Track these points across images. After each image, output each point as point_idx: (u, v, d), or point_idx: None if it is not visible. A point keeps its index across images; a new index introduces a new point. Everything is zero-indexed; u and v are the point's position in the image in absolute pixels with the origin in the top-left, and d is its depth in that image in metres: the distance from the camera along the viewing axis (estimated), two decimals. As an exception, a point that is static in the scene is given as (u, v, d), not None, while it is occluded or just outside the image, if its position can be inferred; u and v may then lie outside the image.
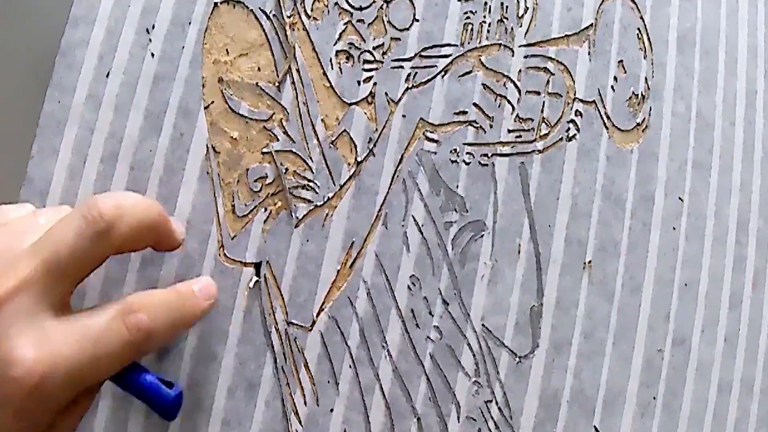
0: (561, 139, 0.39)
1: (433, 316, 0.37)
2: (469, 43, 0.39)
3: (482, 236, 0.37)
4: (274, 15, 0.38)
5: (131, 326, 0.30)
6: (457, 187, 0.38)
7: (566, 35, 0.39)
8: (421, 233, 0.37)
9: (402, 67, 0.38)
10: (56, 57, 0.37)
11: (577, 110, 0.39)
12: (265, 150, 0.37)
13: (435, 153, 0.38)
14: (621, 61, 0.40)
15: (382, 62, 0.38)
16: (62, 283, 0.30)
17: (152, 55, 0.37)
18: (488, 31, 0.39)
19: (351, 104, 0.37)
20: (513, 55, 0.39)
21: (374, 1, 0.38)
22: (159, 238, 0.33)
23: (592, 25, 0.39)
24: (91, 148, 0.37)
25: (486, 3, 0.39)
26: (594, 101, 0.39)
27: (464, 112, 0.38)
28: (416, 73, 0.38)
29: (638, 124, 0.39)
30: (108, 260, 0.34)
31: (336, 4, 0.38)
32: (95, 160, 0.36)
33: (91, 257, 0.30)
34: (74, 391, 0.30)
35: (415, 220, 0.37)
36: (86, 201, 0.31)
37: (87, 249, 0.30)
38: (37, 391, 0.28)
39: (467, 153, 0.38)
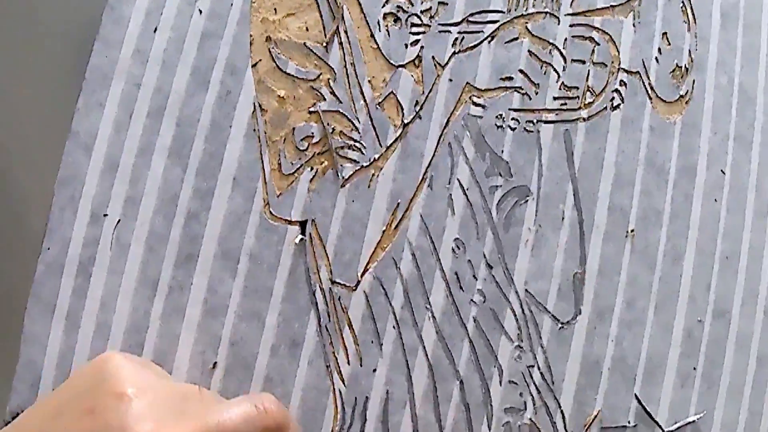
0: (605, 108, 0.39)
1: (476, 279, 0.37)
2: (515, 9, 0.39)
3: (526, 201, 0.37)
4: (323, -25, 0.38)
5: None
6: (502, 152, 0.38)
7: (611, 5, 0.39)
8: (466, 197, 0.37)
9: (449, 31, 0.38)
10: (103, 11, 0.37)
11: (621, 80, 0.39)
12: (311, 109, 0.37)
13: (481, 117, 0.38)
14: (665, 33, 0.40)
15: (430, 26, 0.38)
16: None
17: (200, 11, 0.37)
18: (535, -1, 0.39)
19: (398, 67, 0.37)
20: (559, 24, 0.39)
21: (424, -35, 0.38)
22: None
23: (637, -4, 0.40)
24: (138, 102, 0.36)
25: (534, -30, 0.39)
26: (638, 72, 0.39)
27: (510, 78, 0.38)
28: (463, 37, 0.38)
29: (681, 96, 0.39)
30: (153, 215, 0.34)
31: (385, -34, 0.38)
32: (141, 115, 0.36)
33: None
34: None
35: (460, 183, 0.37)
36: (254, 394, 0.32)
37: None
38: None
39: (513, 119, 0.38)
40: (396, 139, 0.37)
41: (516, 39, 0.38)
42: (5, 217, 0.38)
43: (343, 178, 0.37)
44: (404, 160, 0.37)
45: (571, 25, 0.39)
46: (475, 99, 0.38)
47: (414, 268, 0.36)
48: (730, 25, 0.40)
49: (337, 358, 0.36)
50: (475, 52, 0.38)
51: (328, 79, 0.37)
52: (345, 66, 0.37)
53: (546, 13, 0.39)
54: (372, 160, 0.37)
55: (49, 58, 0.38)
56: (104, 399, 0.29)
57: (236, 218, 0.36)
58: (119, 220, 0.36)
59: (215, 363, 0.35)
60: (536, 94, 0.38)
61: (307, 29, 0.37)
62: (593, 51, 0.39)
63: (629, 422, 0.37)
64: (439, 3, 0.38)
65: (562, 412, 0.36)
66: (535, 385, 0.36)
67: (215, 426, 0.29)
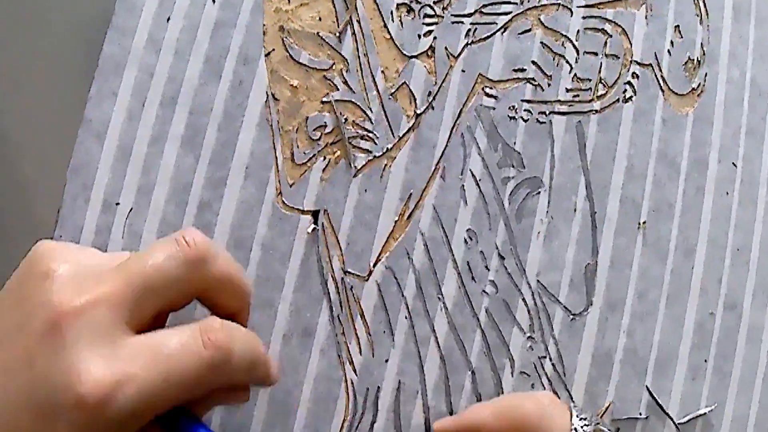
0: (618, 100, 0.39)
1: (489, 270, 0.37)
2: (528, 1, 0.39)
3: (539, 193, 0.37)
4: (337, -35, 0.38)
5: (209, 344, 0.27)
6: (515, 143, 0.38)
7: (624, -2, 0.39)
8: (479, 187, 0.37)
9: (462, 22, 0.38)
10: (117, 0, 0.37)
11: (634, 72, 0.39)
12: (324, 99, 0.37)
13: (493, 108, 0.38)
14: (677, 25, 0.40)
15: (443, 17, 0.38)
16: (144, 303, 0.28)
17: (213, 1, 0.37)
18: (548, -10, 0.39)
19: (411, 57, 0.37)
20: (571, 15, 0.39)
21: (437, -45, 0.38)
22: (244, 300, 0.31)
23: (650, -12, 0.40)
24: (150, 91, 0.36)
25: (548, -39, 0.39)
26: (650, 64, 0.39)
27: (523, 70, 0.38)
28: (476, 28, 0.38)
29: (693, 89, 0.39)
30: (165, 205, 0.34)
31: (399, -44, 0.38)
32: (154, 104, 0.36)
33: (176, 284, 0.28)
34: (142, 417, 0.27)
35: (472, 174, 0.37)
36: (180, 230, 0.29)
37: (175, 272, 0.28)
38: (101, 410, 0.25)
39: (525, 110, 0.38)
40: (409, 130, 0.37)
41: (529, 30, 0.38)
42: (16, 205, 0.38)
43: (355, 168, 0.37)
44: (417, 150, 0.37)
45: (583, 17, 0.39)
46: (487, 90, 0.38)
47: (426, 258, 0.36)
48: (743, 18, 0.40)
49: (349, 348, 0.36)
50: (488, 43, 0.38)
51: (341, 69, 0.37)
52: (358, 56, 0.37)
53: (559, 5, 0.39)
54: (385, 150, 0.37)
55: (61, 47, 0.38)
56: (30, 283, 0.28)
57: (249, 207, 0.36)
58: (131, 209, 0.36)
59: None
60: (549, 85, 0.38)
61: (320, 19, 0.37)
62: (606, 43, 0.39)
63: (640, 414, 0.37)
64: (452, -6, 0.38)
65: (573, 403, 0.36)
66: (547, 376, 0.36)
67: (138, 275, 0.28)
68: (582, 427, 0.29)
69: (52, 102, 0.38)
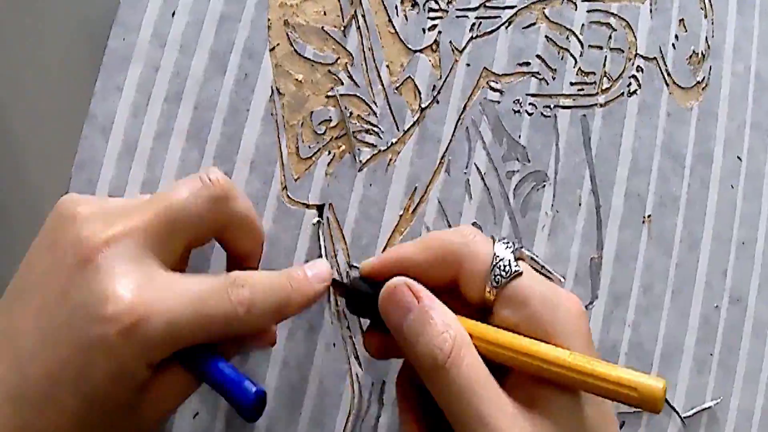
0: (622, 93, 0.39)
1: (494, 264, 0.36)
2: (533, -5, 0.39)
3: (544, 186, 0.37)
4: (341, -40, 0.38)
5: (234, 297, 0.29)
6: (520, 137, 0.38)
7: (629, -8, 0.39)
8: (483, 181, 0.37)
9: (466, 16, 0.38)
10: (122, -5, 0.37)
11: (638, 66, 0.39)
12: (329, 93, 0.37)
13: (498, 102, 0.38)
14: (682, 19, 0.40)
15: (447, 11, 0.38)
16: (172, 238, 0.29)
17: (218, -4, 0.37)
18: (552, -16, 0.39)
19: (415, 51, 0.37)
20: (576, 9, 0.39)
21: (441, -51, 0.38)
22: (259, 241, 0.33)
23: (654, -18, 0.40)
24: (155, 86, 0.36)
25: (551, -44, 0.39)
26: (655, 58, 0.39)
27: (527, 63, 0.38)
28: (480, 23, 0.38)
29: (698, 83, 0.39)
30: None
31: (403, -49, 0.38)
32: (159, 99, 0.36)
33: (202, 217, 0.30)
34: (169, 347, 0.28)
35: (477, 168, 0.37)
36: (203, 168, 0.31)
37: (200, 208, 0.30)
38: (132, 333, 0.26)
39: (530, 104, 0.38)
40: (413, 124, 0.37)
41: (533, 24, 0.38)
42: (21, 200, 0.38)
43: (360, 162, 0.37)
44: (422, 144, 0.37)
45: (588, 11, 0.39)
46: (492, 84, 0.38)
47: (431, 252, 0.36)
48: (747, 12, 0.40)
49: (354, 342, 0.36)
50: (493, 37, 0.38)
51: (346, 63, 0.37)
52: (363, 50, 0.37)
53: (563, -2, 0.39)
54: (389, 145, 0.37)
55: (67, 42, 0.38)
56: (58, 230, 0.29)
57: (254, 202, 0.36)
58: (137, 203, 0.36)
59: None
60: (553, 79, 0.38)
61: (324, 13, 0.37)
62: (610, 37, 0.39)
63: (646, 407, 0.37)
64: (456, -12, 0.38)
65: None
66: (552, 370, 0.36)
67: (165, 210, 0.29)
68: (505, 250, 0.29)
69: (57, 97, 0.38)
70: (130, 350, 0.27)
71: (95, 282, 0.27)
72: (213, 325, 0.28)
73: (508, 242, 0.30)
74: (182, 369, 0.29)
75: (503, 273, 0.29)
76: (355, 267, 0.36)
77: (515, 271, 0.29)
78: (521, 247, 0.30)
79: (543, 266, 0.33)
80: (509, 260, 0.29)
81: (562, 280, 0.36)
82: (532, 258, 0.31)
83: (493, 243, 0.30)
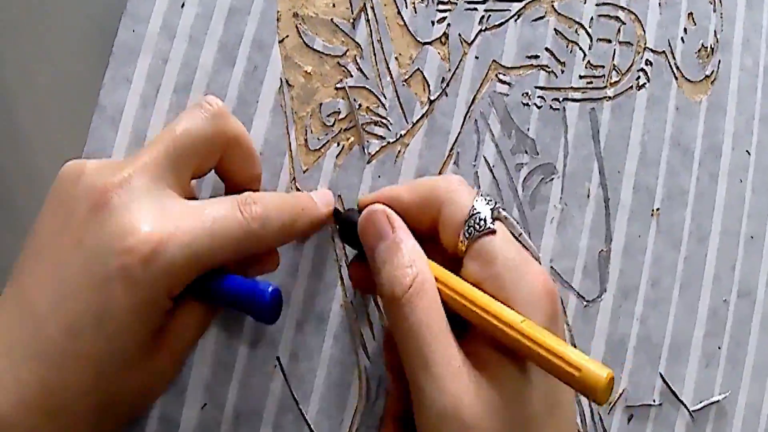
0: (631, 87, 0.39)
1: (502, 256, 0.36)
2: (542, -12, 0.39)
3: (552, 179, 0.37)
4: (350, -48, 0.38)
5: (247, 214, 0.29)
6: (528, 129, 0.38)
7: (638, -15, 0.39)
8: (492, 173, 0.37)
9: (476, 9, 0.38)
10: (131, -14, 0.37)
11: (647, 60, 0.39)
12: (338, 85, 0.37)
13: (507, 95, 0.38)
14: (691, 13, 0.40)
15: (456, 3, 0.38)
16: (181, 166, 0.30)
17: (227, -12, 0.37)
18: (562, -23, 0.39)
19: (425, 44, 0.37)
20: (585, 3, 0.39)
21: (451, -58, 0.38)
22: (257, 167, 0.34)
23: (664, -25, 0.39)
24: (164, 77, 0.36)
25: (561, -52, 0.39)
26: (664, 51, 0.39)
27: (536, 56, 0.38)
28: (489, 15, 0.38)
29: (707, 76, 0.39)
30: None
31: (413, -57, 0.38)
32: (168, 90, 0.36)
33: (206, 138, 0.31)
34: (189, 273, 0.29)
35: (486, 160, 0.37)
36: (200, 97, 0.33)
37: (203, 130, 0.31)
38: (153, 260, 0.27)
39: (539, 96, 0.38)
40: (422, 116, 0.37)
41: (542, 17, 0.38)
42: (29, 192, 0.38)
43: (369, 153, 0.37)
44: (430, 136, 0.37)
45: (597, 4, 0.39)
46: (501, 76, 0.38)
47: (440, 244, 0.36)
48: (756, 6, 0.40)
49: (362, 334, 0.36)
50: (502, 30, 0.38)
51: (355, 55, 0.37)
52: (372, 43, 0.37)
53: (572, -8, 0.39)
54: (398, 137, 0.37)
55: (76, 34, 0.38)
56: (68, 186, 0.30)
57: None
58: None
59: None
60: (562, 72, 0.38)
61: (334, 5, 0.37)
62: (619, 30, 0.39)
63: (654, 401, 0.37)
64: (465, -19, 0.38)
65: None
66: (561, 363, 0.36)
67: (172, 141, 0.30)
68: (485, 205, 0.30)
69: (67, 88, 0.38)
70: (151, 278, 0.27)
71: (111, 221, 0.28)
72: (229, 244, 0.29)
73: (490, 199, 0.30)
74: (198, 303, 0.30)
75: (477, 226, 0.29)
76: (364, 259, 0.36)
77: (489, 228, 0.29)
78: (501, 208, 0.30)
79: (521, 234, 0.33)
80: (486, 216, 0.30)
81: (539, 255, 0.36)
82: (511, 224, 0.31)
83: (477, 195, 0.30)
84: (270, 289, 0.30)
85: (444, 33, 0.38)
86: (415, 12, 0.38)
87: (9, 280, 0.30)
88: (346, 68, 0.37)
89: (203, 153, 0.31)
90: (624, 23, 0.39)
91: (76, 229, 0.28)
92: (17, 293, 0.29)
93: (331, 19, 0.37)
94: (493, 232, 0.29)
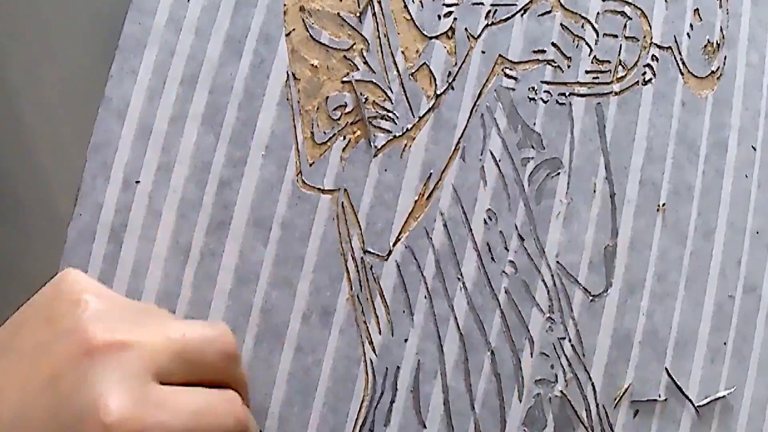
0: (637, 82, 0.39)
1: (508, 250, 0.37)
2: (548, -17, 0.39)
3: (558, 174, 0.37)
4: (357, -55, 0.38)
5: (231, 414, 0.30)
6: (535, 124, 0.38)
7: (644, -19, 0.39)
8: (498, 168, 0.37)
9: (482, 3, 0.38)
10: (138, -21, 0.37)
11: (653, 55, 0.39)
12: (345, 79, 0.37)
13: (513, 90, 0.38)
14: (697, 9, 0.40)
15: (463, -2, 0.38)
16: (173, 373, 0.29)
17: (234, -19, 0.37)
18: (568, -28, 0.39)
19: (431, 38, 0.37)
20: (591, -2, 0.39)
21: (457, -64, 0.38)
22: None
23: (670, -29, 0.39)
24: (171, 70, 0.36)
25: (567, -56, 0.39)
26: (670, 47, 0.39)
27: (542, 51, 0.38)
28: (496, 10, 0.38)
29: (713, 72, 0.39)
30: (185, 184, 0.34)
31: (420, -63, 0.38)
32: (174, 83, 0.36)
33: (210, 368, 0.30)
34: None
35: (492, 154, 0.37)
36: (214, 324, 0.32)
37: (208, 357, 0.30)
38: None
39: (545, 91, 0.38)
40: (429, 110, 0.37)
41: (549, 12, 0.38)
42: (33, 186, 0.38)
43: (375, 147, 0.37)
44: (437, 130, 0.37)
45: (603, 0, 0.39)
46: (507, 71, 0.38)
47: (446, 238, 0.36)
48: (762, 2, 0.40)
49: (368, 328, 0.36)
50: (508, 24, 0.38)
51: (362, 49, 0.37)
52: (378, 36, 0.37)
53: (578, -13, 0.39)
54: (405, 130, 0.37)
55: (82, 26, 0.38)
56: (61, 306, 0.29)
57: (269, 186, 0.36)
58: (151, 188, 0.36)
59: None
60: (568, 67, 0.38)
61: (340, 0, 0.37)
62: (625, 25, 0.39)
63: (660, 396, 0.37)
64: (472, -25, 0.38)
65: (593, 384, 0.36)
66: (566, 358, 0.36)
67: (176, 346, 0.29)
68: None
69: (73, 81, 0.38)
70: None
71: (92, 382, 0.27)
72: None
73: None
74: None
75: None
76: (370, 252, 0.36)
77: None
78: None
79: None
80: None
81: None
82: None
83: None
84: None
85: (450, 27, 0.38)
86: (422, 6, 0.38)
87: None
88: (352, 62, 0.37)
89: (202, 376, 0.30)
90: (630, 18, 0.39)
91: (56, 361, 0.28)
92: None
93: (338, 13, 0.37)
94: None
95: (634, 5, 0.39)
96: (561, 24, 0.38)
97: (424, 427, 0.35)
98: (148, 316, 0.31)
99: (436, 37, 0.38)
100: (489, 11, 0.38)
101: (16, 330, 0.30)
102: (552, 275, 0.37)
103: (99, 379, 0.27)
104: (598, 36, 0.39)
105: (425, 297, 0.36)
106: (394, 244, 0.36)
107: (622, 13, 0.39)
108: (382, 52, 0.37)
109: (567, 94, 0.38)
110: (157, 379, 0.28)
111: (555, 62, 0.38)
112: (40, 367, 0.28)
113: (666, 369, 0.37)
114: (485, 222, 0.37)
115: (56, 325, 0.29)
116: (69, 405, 0.27)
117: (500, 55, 0.38)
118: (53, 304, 0.30)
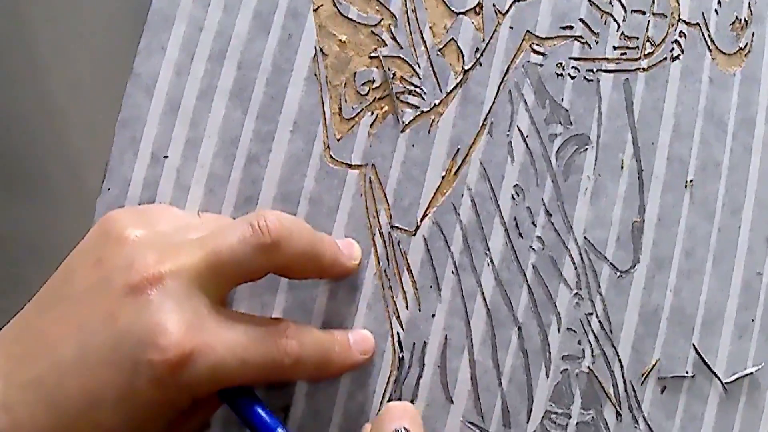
0: (665, 58, 0.38)
1: (536, 226, 0.37)
2: (576, -41, 0.38)
3: (586, 150, 0.37)
4: None
5: (281, 349, 0.30)
6: (562, 100, 0.37)
7: (672, -43, 0.39)
8: (526, 144, 0.37)
9: (510, -21, 0.38)
10: (166, -45, 0.37)
11: (681, 31, 0.39)
12: (373, 54, 0.37)
13: (541, 65, 0.37)
14: (725, -15, 0.39)
15: (490, -26, 0.38)
16: (218, 282, 0.30)
17: (261, -43, 0.37)
18: (596, -52, 0.38)
19: (459, 14, 0.37)
20: (619, -26, 0.39)
21: None
22: (322, 270, 0.33)
23: (698, -53, 0.39)
24: (199, 45, 0.36)
25: None
26: (698, 23, 0.39)
27: (570, 27, 0.38)
28: (523, -14, 0.38)
29: (741, 49, 0.39)
30: (213, 159, 0.35)
31: None
32: (202, 58, 0.36)
33: (249, 266, 0.30)
34: (210, 387, 0.29)
35: (520, 130, 0.37)
36: (255, 212, 0.31)
37: (247, 257, 0.30)
38: (178, 370, 0.27)
39: (573, 67, 0.38)
40: (456, 86, 0.37)
41: (576, -12, 0.38)
42: (64, 161, 0.38)
43: (403, 123, 0.37)
44: (464, 106, 0.37)
45: (631, -24, 0.39)
46: (535, 47, 0.38)
47: (473, 213, 0.36)
48: (791, -21, 0.40)
49: (396, 303, 0.36)
50: (536, 0, 0.38)
51: (389, 24, 0.37)
52: (406, 12, 0.37)
53: (606, -37, 0.39)
54: (432, 106, 0.37)
55: (111, 2, 0.38)
56: (108, 247, 0.30)
57: (296, 161, 0.36)
58: (180, 163, 0.36)
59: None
60: (596, 43, 0.38)
61: (367, -25, 0.37)
62: (653, 2, 0.39)
63: (687, 372, 0.37)
64: (499, -49, 0.38)
65: (620, 360, 0.36)
66: (594, 333, 0.36)
67: (214, 254, 0.29)
68: None
69: (102, 56, 0.38)
70: (174, 384, 0.28)
71: (146, 313, 0.28)
72: (257, 372, 0.29)
73: None
74: (216, 397, 0.30)
75: None
76: (397, 227, 0.36)
77: None
78: None
79: None
80: None
81: None
82: None
83: None
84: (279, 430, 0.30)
85: (478, 3, 0.37)
86: (449, -18, 0.37)
87: (30, 304, 0.30)
88: (380, 37, 0.37)
89: (246, 276, 0.31)
90: (658, -5, 0.39)
91: (109, 300, 0.29)
92: (38, 332, 0.29)
93: (365, -12, 0.37)
94: None
95: (661, -19, 0.39)
96: (589, 0, 0.38)
97: (452, 402, 0.36)
98: (190, 233, 0.31)
99: (464, 13, 0.37)
100: (516, -13, 0.38)
101: (67, 278, 0.31)
102: (579, 251, 0.37)
103: (154, 308, 0.28)
104: (626, 12, 0.38)
105: (452, 272, 0.36)
106: (421, 220, 0.36)
107: (650, -11, 0.39)
108: (410, 27, 0.37)
109: (595, 70, 0.38)
110: (210, 299, 0.29)
111: (583, 38, 0.38)
112: (95, 308, 0.29)
113: (693, 345, 0.37)
114: (512, 197, 0.37)
115: (105, 265, 0.29)
116: (127, 338, 0.28)
117: (528, 31, 0.38)
118: (99, 246, 0.30)
